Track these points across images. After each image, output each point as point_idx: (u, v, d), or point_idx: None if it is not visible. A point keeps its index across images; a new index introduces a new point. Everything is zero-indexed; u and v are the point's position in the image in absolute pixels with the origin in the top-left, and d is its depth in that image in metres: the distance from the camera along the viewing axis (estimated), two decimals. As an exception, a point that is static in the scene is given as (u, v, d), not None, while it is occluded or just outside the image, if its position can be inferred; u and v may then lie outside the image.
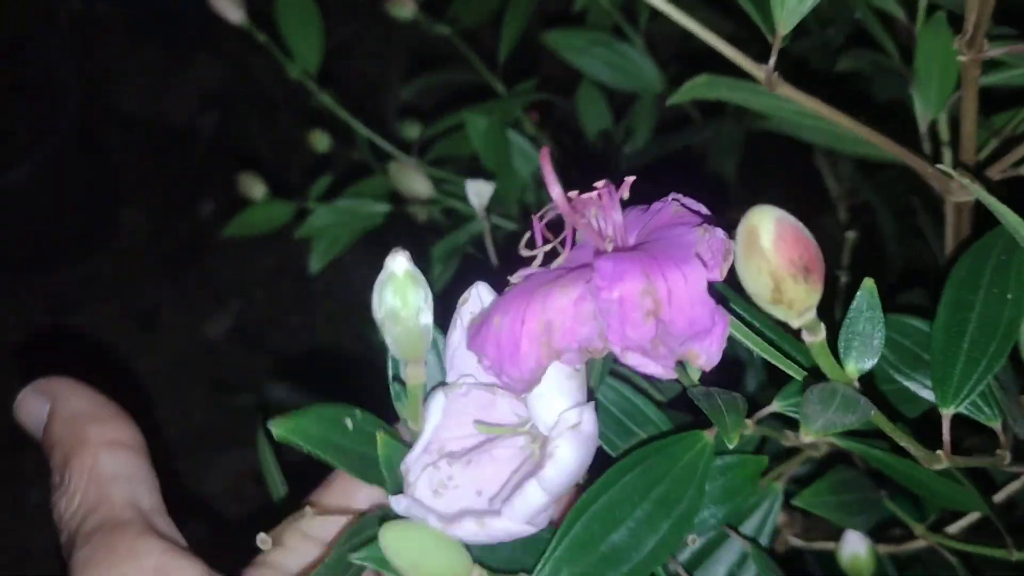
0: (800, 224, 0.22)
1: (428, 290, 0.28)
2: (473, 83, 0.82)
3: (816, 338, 0.25)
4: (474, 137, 0.71)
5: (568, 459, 0.27)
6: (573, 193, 0.29)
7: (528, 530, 0.28)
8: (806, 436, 0.27)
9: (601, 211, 0.29)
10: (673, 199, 0.30)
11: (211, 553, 0.36)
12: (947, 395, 0.32)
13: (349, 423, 0.31)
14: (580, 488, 0.31)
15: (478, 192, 0.56)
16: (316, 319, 1.39)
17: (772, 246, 0.21)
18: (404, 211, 0.75)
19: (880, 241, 0.65)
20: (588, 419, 0.28)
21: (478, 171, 0.73)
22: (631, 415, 0.36)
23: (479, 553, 0.29)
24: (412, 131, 0.82)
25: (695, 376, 0.31)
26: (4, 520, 1.26)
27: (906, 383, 0.35)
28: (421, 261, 0.31)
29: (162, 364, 1.37)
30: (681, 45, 0.87)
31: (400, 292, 0.27)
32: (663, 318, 0.25)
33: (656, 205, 0.30)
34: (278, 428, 0.30)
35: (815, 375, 0.29)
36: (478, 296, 0.31)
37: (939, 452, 0.32)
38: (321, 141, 0.79)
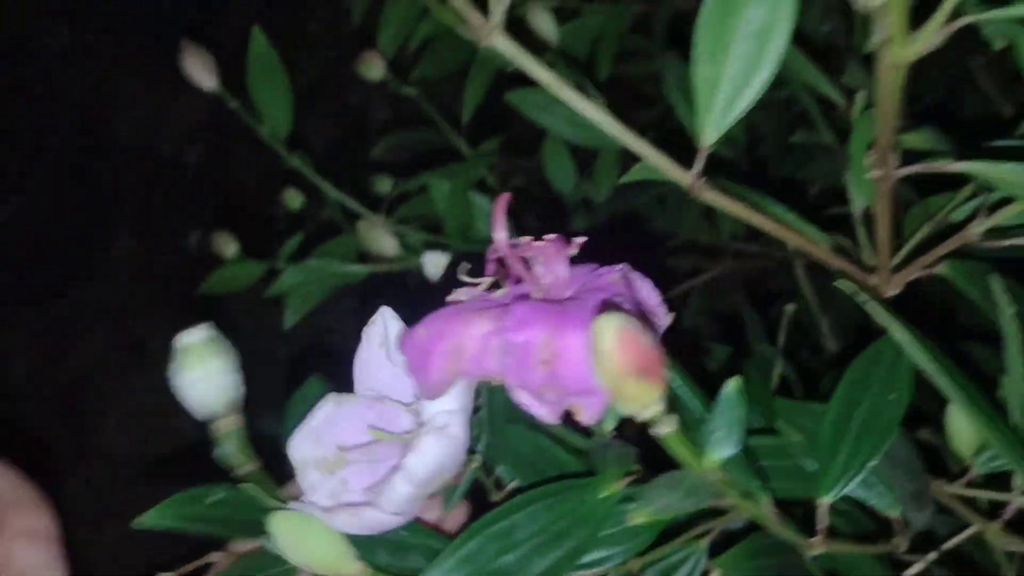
0: (640, 330, 0.24)
1: (229, 350, 0.33)
2: (442, 141, 0.84)
3: (665, 430, 0.27)
4: (437, 200, 0.73)
5: (429, 452, 0.31)
6: (527, 239, 0.31)
7: (396, 520, 0.32)
8: (637, 518, 0.29)
9: (545, 262, 0.32)
10: (620, 269, 0.32)
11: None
12: (825, 486, 0.35)
13: (211, 499, 0.36)
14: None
15: (435, 263, 0.59)
16: (299, 350, 1.41)
17: (612, 351, 0.24)
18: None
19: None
20: (456, 423, 0.32)
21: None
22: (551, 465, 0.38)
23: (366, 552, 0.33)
24: (384, 185, 0.85)
25: (608, 427, 0.35)
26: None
27: (812, 469, 0.37)
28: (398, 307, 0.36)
29: (151, 394, 1.39)
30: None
31: (198, 359, 0.33)
32: (555, 371, 0.28)
33: (604, 269, 0.32)
34: (145, 520, 0.34)
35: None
36: (383, 320, 0.35)
37: (811, 540, 0.35)
38: (294, 199, 0.82)
